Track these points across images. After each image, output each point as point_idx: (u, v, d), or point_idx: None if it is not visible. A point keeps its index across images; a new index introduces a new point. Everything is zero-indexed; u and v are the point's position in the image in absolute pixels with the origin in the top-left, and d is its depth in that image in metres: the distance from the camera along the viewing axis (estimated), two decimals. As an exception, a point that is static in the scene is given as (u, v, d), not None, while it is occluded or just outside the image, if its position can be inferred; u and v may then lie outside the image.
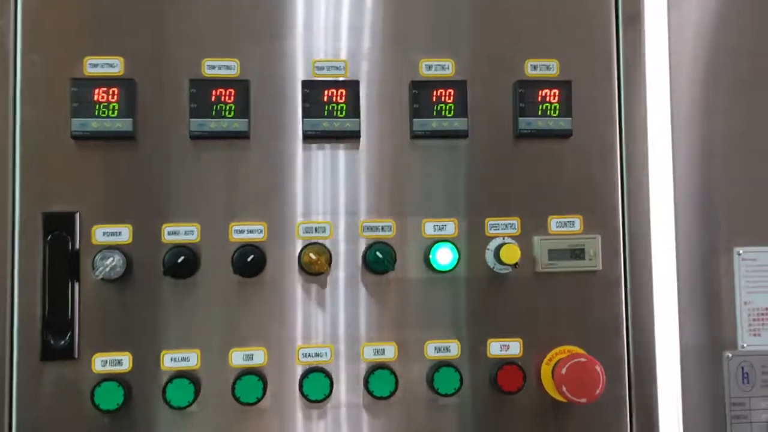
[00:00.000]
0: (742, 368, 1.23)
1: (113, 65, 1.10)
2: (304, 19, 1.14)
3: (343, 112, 1.12)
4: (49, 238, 1.07)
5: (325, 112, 1.11)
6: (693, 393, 1.20)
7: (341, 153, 1.14)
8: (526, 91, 1.15)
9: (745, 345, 1.23)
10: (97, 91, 1.08)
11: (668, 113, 1.22)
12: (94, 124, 1.08)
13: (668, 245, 1.20)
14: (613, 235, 1.18)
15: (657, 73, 1.21)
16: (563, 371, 1.09)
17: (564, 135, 1.16)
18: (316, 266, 1.09)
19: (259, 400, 1.07)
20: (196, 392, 1.06)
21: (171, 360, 1.08)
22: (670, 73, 1.21)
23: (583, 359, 1.10)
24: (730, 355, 1.22)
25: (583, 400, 1.08)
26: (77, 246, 1.08)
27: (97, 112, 1.08)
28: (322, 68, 1.13)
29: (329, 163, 1.14)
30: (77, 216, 1.08)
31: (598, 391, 1.08)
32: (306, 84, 1.12)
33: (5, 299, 1.06)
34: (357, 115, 1.12)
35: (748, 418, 1.22)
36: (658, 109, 1.21)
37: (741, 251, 1.23)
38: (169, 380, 1.06)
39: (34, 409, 1.06)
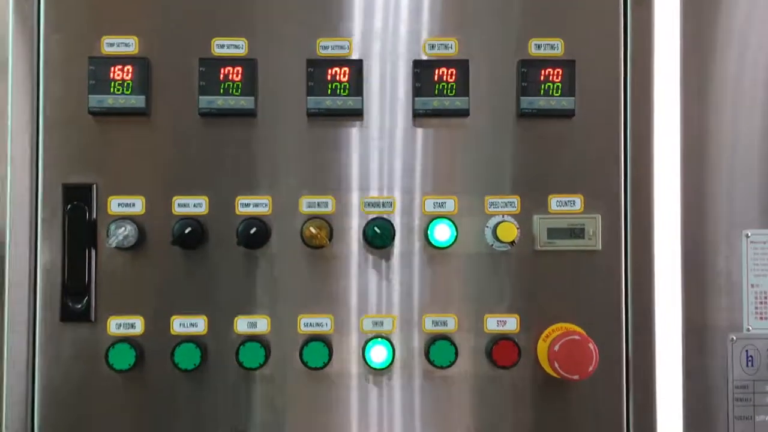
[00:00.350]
0: (747, 351, 1.22)
1: (128, 44, 1.15)
2: (309, -1, 1.17)
3: (347, 91, 1.15)
4: (68, 208, 1.14)
5: (329, 90, 1.15)
6: (695, 375, 1.20)
7: (344, 131, 1.17)
8: (529, 71, 1.16)
9: (750, 328, 1.22)
10: (113, 69, 1.14)
11: (678, 93, 1.20)
12: (109, 101, 1.14)
13: (673, 226, 1.20)
14: (615, 215, 1.18)
15: (666, 53, 1.19)
16: (556, 348, 1.10)
17: (566, 114, 1.17)
18: (316, 240, 1.13)
19: (261, 366, 1.12)
20: (203, 356, 1.13)
21: (180, 325, 1.15)
22: (682, 57, 1.20)
23: (576, 337, 1.11)
24: (735, 338, 1.22)
25: (576, 377, 1.10)
26: (94, 216, 1.14)
27: (112, 89, 1.13)
28: (326, 47, 1.16)
29: (332, 141, 1.17)
30: (94, 187, 1.14)
31: (590, 369, 1.10)
32: (310, 63, 1.15)
33: (29, 265, 1.14)
34: (360, 93, 1.15)
35: (751, 401, 1.22)
36: (666, 90, 1.20)
37: (749, 233, 1.22)
38: (178, 344, 1.12)
39: (55, 365, 1.14)
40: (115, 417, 1.15)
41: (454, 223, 1.15)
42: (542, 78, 1.16)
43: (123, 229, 1.11)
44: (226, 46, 1.16)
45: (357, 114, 1.16)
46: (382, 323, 1.16)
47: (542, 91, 1.16)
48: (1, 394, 1.13)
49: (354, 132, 1.17)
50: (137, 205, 1.15)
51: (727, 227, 1.22)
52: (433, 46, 1.17)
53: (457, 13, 1.18)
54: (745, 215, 1.22)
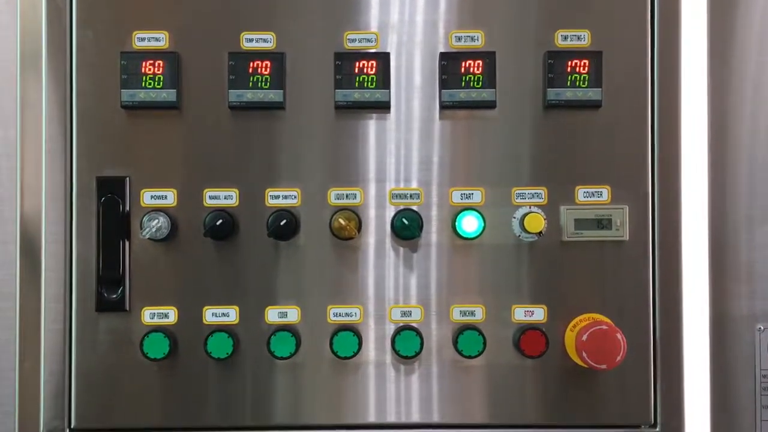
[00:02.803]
0: (775, 341, 1.22)
1: (159, 39, 1.17)
2: (337, -8, 1.18)
3: (374, 83, 1.16)
4: (102, 200, 1.16)
5: (356, 83, 1.16)
6: (723, 364, 1.21)
7: (372, 123, 1.18)
8: (556, 62, 1.16)
9: (778, 318, 1.22)
10: (144, 63, 1.15)
11: (705, 83, 1.20)
12: (141, 95, 1.16)
13: (700, 217, 1.20)
14: (642, 206, 1.18)
15: (694, 44, 1.19)
16: (584, 338, 1.11)
17: (593, 106, 1.17)
18: (345, 231, 1.14)
19: (292, 355, 1.14)
20: (235, 345, 1.15)
21: (212, 315, 1.17)
22: (709, 47, 1.20)
23: (604, 327, 1.12)
24: (762, 327, 1.22)
25: (603, 367, 1.11)
26: (128, 208, 1.16)
27: (144, 83, 1.15)
28: (354, 40, 1.17)
29: (360, 133, 1.18)
30: (127, 180, 1.17)
31: (618, 359, 1.10)
32: (338, 56, 1.16)
33: (65, 256, 1.17)
34: (387, 86, 1.16)
35: (778, 391, 1.22)
36: (694, 80, 1.19)
37: (777, 223, 1.22)
38: (210, 334, 1.14)
39: (91, 354, 1.17)
40: (150, 404, 1.17)
41: (481, 214, 1.16)
42: (569, 69, 1.16)
43: (156, 221, 1.14)
44: (254, 40, 1.17)
45: (384, 106, 1.17)
46: (410, 313, 1.18)
47: (569, 83, 1.16)
48: (38, 383, 1.16)
49: (381, 124, 1.18)
50: (169, 197, 1.17)
51: (756, 217, 1.22)
52: (459, 38, 1.18)
53: (483, 5, 1.18)
54: (772, 205, 1.22)
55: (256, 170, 1.17)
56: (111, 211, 1.16)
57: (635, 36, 1.18)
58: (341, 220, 1.14)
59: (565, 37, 1.17)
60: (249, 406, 1.17)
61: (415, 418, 1.18)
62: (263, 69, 1.16)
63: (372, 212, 1.18)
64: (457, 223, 1.16)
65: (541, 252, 1.18)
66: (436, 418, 1.18)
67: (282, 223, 1.14)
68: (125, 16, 1.17)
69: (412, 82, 1.18)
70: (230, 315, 1.17)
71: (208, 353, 1.14)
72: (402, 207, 1.17)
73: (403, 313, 1.18)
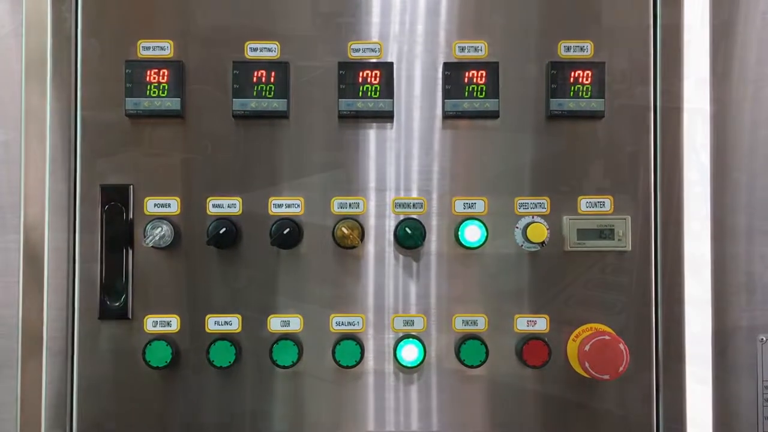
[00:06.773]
0: (777, 352, 1.22)
1: (164, 48, 1.17)
2: (340, 2, 1.19)
3: (378, 93, 1.16)
4: (106, 208, 1.16)
5: (360, 92, 1.16)
6: (725, 375, 1.21)
7: (375, 132, 1.18)
8: (558, 73, 1.16)
9: (780, 329, 1.22)
10: (148, 72, 1.16)
11: (707, 94, 1.20)
12: (145, 103, 1.16)
13: (703, 227, 1.20)
14: (644, 216, 1.18)
15: (696, 55, 1.19)
16: (586, 348, 1.11)
17: (596, 116, 1.17)
18: (348, 240, 1.15)
19: (294, 364, 1.14)
20: (237, 354, 1.15)
21: (215, 323, 1.17)
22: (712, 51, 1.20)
23: (606, 337, 1.12)
24: (765, 338, 1.22)
25: (606, 377, 1.11)
26: (131, 216, 1.17)
27: (148, 92, 1.16)
28: (357, 50, 1.18)
29: (363, 142, 1.18)
30: (131, 188, 1.17)
31: (621, 369, 1.10)
32: (342, 65, 1.16)
33: (68, 263, 1.17)
34: (391, 95, 1.17)
35: (780, 402, 1.22)
36: (697, 91, 1.20)
37: (779, 235, 1.22)
38: (213, 342, 1.14)
39: (93, 362, 1.17)
40: (152, 413, 1.17)
41: (483, 224, 1.16)
42: (572, 80, 1.17)
43: (159, 229, 1.14)
44: (259, 49, 1.17)
45: (388, 116, 1.17)
46: (412, 322, 1.18)
47: (572, 93, 1.17)
48: (40, 391, 1.16)
49: (384, 133, 1.19)
50: (173, 205, 1.17)
51: (757, 228, 1.22)
52: (463, 49, 1.18)
53: (486, 16, 1.19)
54: (775, 216, 1.22)
55: (259, 179, 1.17)
56: (114, 219, 1.16)
57: (638, 46, 1.19)
58: (344, 229, 1.14)
59: (568, 48, 1.18)
60: (250, 414, 1.17)
61: (415, 427, 1.18)
62: (267, 78, 1.16)
63: (374, 221, 1.18)
64: (459, 233, 1.17)
65: (544, 262, 1.18)
66: (435, 427, 1.18)
67: (285, 232, 1.14)
68: (130, 25, 1.18)
69: (415, 91, 1.19)
70: (233, 323, 1.17)
71: (210, 361, 1.14)
72: (404, 216, 1.18)
73: (406, 322, 1.18)
